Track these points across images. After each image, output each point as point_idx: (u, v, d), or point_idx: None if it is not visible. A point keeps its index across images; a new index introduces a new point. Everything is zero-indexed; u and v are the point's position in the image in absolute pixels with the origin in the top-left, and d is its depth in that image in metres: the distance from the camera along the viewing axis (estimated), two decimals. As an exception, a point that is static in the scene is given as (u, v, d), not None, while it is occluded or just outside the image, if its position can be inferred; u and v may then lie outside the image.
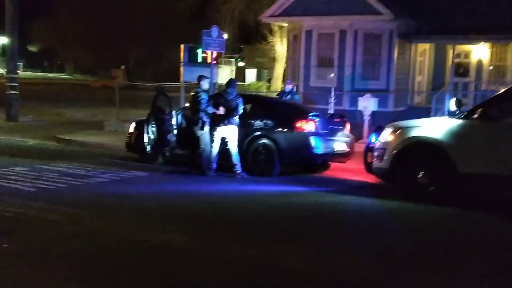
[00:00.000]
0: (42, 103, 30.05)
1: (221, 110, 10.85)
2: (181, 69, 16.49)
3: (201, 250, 5.82)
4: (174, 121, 11.87)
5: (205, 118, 10.90)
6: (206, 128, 10.92)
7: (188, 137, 11.37)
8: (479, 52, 21.37)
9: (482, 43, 20.67)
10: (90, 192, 8.89)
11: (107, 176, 10.41)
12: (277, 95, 15.29)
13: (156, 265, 5.30)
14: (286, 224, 7.22)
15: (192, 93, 11.23)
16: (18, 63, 28.96)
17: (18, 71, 24.08)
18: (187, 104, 12.30)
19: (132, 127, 12.94)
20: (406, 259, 5.73)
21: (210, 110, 10.92)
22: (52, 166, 11.24)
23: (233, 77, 28.97)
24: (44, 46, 74.05)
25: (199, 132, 10.95)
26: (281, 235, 6.61)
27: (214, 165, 11.01)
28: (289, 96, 14.09)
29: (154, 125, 12.00)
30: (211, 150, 10.96)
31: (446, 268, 5.44)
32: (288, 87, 14.51)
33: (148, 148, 12.05)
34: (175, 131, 11.85)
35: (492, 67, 21.31)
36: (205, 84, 11.32)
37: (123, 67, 61.72)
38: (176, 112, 12.06)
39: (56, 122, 21.61)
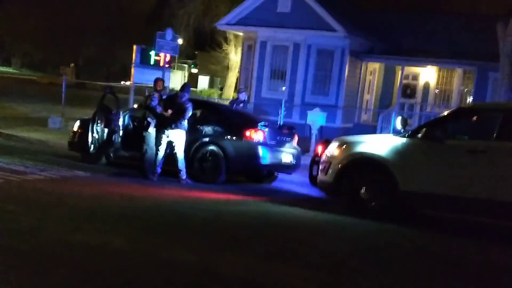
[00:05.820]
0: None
1: (169, 112, 10.70)
2: (132, 70, 16.30)
3: (140, 254, 5.68)
4: (121, 122, 11.64)
5: (150, 119, 10.75)
6: (151, 129, 10.76)
7: (134, 138, 11.18)
8: (427, 75, 22.06)
9: (430, 66, 21.35)
10: (27, 188, 8.58)
11: (47, 173, 10.10)
12: (229, 103, 15.23)
13: (93, 266, 5.13)
14: (227, 231, 7.16)
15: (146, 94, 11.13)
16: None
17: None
18: (135, 106, 12.09)
19: (76, 126, 12.60)
20: (342, 269, 5.78)
21: (158, 109, 10.78)
22: (-11, 160, 10.82)
23: (186, 82, 28.76)
24: (-9, 38, 71.53)
25: (144, 133, 10.78)
26: (221, 242, 6.55)
27: (159, 170, 10.82)
28: (241, 105, 14.06)
29: (99, 124, 11.72)
30: (156, 153, 10.77)
31: (383, 281, 5.50)
32: (242, 96, 14.45)
33: (92, 147, 11.75)
34: (121, 132, 11.62)
35: (438, 90, 22.02)
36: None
37: (72, 64, 60.32)
38: (123, 112, 11.84)
39: (-3, 115, 20.84)
